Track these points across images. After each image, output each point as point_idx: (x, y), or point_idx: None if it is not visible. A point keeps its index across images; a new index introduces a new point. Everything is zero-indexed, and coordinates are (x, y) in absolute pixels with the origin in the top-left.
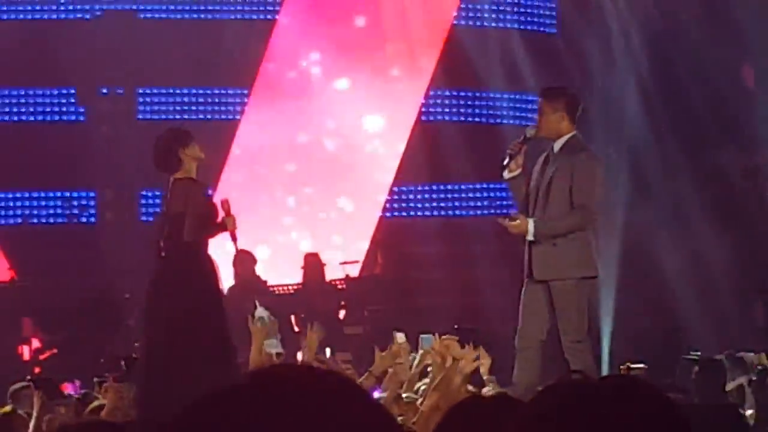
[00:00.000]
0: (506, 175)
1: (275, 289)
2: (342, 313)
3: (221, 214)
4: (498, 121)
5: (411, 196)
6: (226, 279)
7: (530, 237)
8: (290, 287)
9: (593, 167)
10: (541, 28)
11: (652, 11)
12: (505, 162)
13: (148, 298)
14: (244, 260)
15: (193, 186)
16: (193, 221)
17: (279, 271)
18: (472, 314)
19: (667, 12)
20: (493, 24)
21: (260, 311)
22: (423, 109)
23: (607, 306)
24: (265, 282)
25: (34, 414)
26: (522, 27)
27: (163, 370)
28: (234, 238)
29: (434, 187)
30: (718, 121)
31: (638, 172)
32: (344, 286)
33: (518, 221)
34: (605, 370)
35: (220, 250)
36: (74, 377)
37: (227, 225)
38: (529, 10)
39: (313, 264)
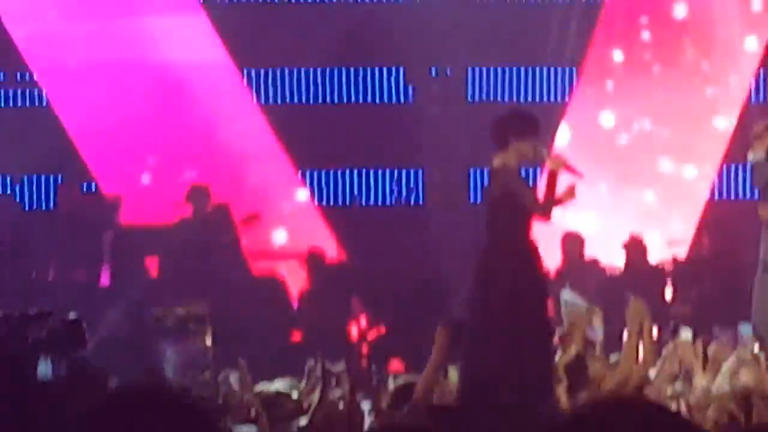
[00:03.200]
0: (750, 157)
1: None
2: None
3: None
4: None
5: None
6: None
7: None
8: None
9: None
10: None
11: None
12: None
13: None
14: (572, 242)
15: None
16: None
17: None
18: None
19: None
20: None
21: (566, 293)
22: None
23: None
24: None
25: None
26: None
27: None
28: (573, 172)
29: None
30: None
31: None
32: (672, 269)
33: None
34: None
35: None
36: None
37: (553, 166)
38: None
39: (636, 246)
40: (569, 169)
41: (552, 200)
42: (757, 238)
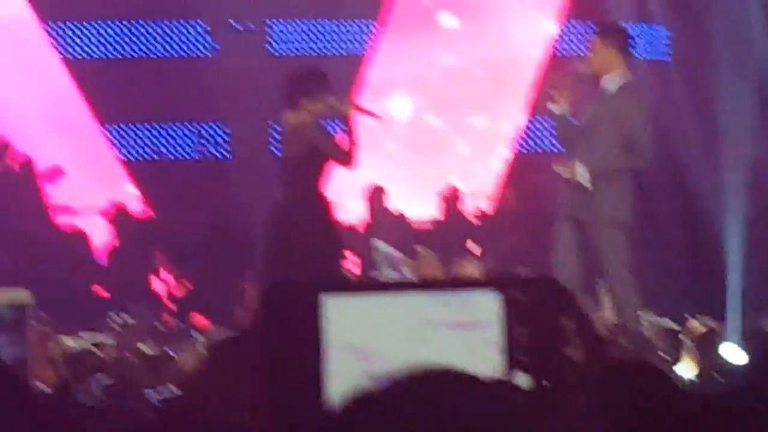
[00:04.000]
0: (553, 109)
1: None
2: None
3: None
4: None
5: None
6: (360, 211)
7: (586, 184)
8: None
9: (646, 109)
10: None
11: None
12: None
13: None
14: (377, 193)
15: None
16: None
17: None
18: None
19: None
20: None
21: (377, 242)
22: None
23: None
24: (401, 215)
25: None
26: None
27: None
28: (370, 114)
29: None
30: None
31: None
32: (479, 223)
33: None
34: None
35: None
36: (207, 311)
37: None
38: None
39: (450, 197)
40: (364, 112)
41: (353, 146)
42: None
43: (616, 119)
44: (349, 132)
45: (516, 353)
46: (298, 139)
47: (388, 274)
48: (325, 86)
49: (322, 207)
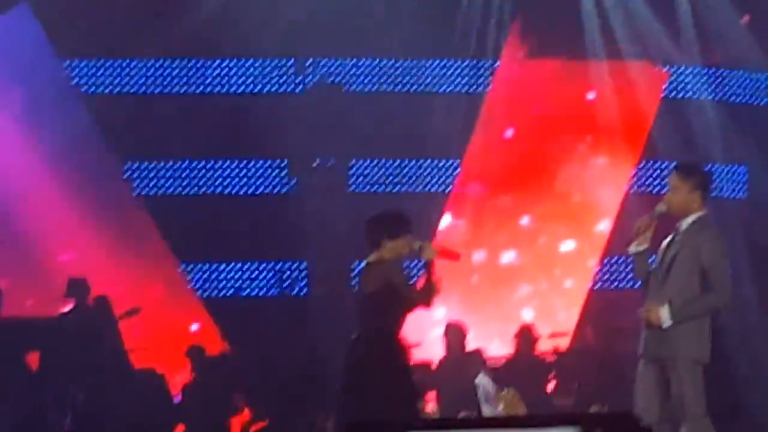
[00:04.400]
0: (632, 249)
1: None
2: (551, 386)
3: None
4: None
5: (621, 268)
6: (436, 349)
7: (666, 324)
8: (501, 358)
9: (722, 245)
10: (751, 100)
11: None
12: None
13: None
14: (455, 331)
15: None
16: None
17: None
18: None
19: None
20: (702, 96)
21: (480, 378)
22: (634, 181)
23: None
24: (480, 353)
25: None
26: (731, 99)
27: None
28: (449, 256)
29: None
30: None
31: None
32: (554, 359)
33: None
34: None
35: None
36: None
37: (427, 255)
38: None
39: (526, 336)
40: (445, 254)
41: (430, 289)
42: (637, 327)
43: (692, 255)
44: (428, 273)
45: None
46: (377, 277)
47: (486, 411)
48: (405, 227)
49: (398, 347)
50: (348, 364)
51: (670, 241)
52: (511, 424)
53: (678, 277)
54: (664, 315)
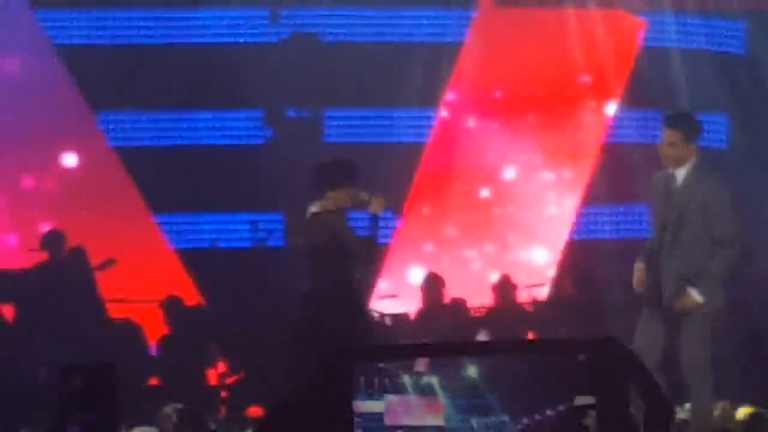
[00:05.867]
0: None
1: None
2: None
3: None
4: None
5: (598, 218)
6: (415, 303)
7: (701, 301)
8: (480, 308)
9: (727, 194)
10: (729, 49)
11: None
12: None
13: None
14: (433, 282)
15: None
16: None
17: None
18: None
19: None
20: (680, 44)
21: None
22: (610, 130)
23: None
24: (464, 302)
25: None
26: (709, 47)
27: None
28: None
29: (622, 209)
30: None
31: None
32: (532, 309)
33: (683, 298)
34: None
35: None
36: (262, 401)
37: (376, 209)
38: (716, 30)
39: (504, 286)
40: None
41: (373, 242)
42: (613, 276)
43: (700, 212)
44: (372, 227)
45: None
46: (320, 228)
47: None
48: (349, 177)
49: (348, 297)
50: (299, 317)
51: (668, 196)
52: (494, 350)
53: (693, 241)
54: (696, 297)
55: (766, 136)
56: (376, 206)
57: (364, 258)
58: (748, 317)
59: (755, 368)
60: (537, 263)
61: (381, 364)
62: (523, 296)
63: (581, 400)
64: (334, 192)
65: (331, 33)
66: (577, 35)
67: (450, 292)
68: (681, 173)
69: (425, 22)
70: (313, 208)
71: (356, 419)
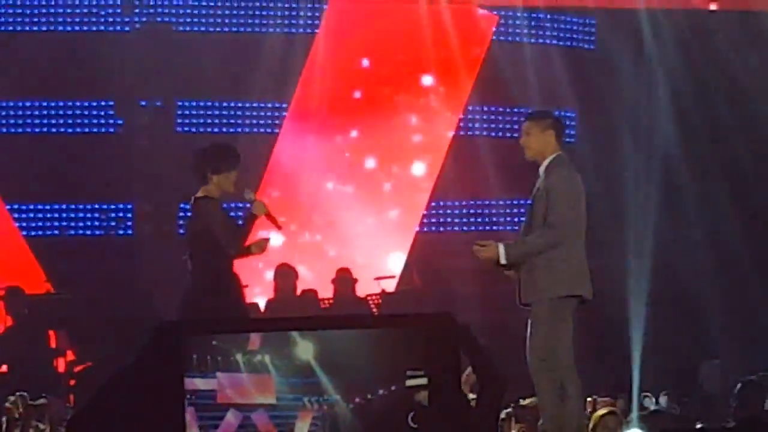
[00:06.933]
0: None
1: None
2: None
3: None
4: None
5: (448, 211)
6: (267, 293)
7: (502, 261)
8: (324, 302)
9: (567, 185)
10: (580, 44)
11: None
12: None
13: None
14: (286, 274)
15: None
16: (222, 236)
17: (312, 286)
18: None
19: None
20: (531, 40)
21: None
22: (461, 125)
23: (639, 322)
24: (313, 294)
25: None
26: (560, 43)
27: None
28: (273, 222)
29: (471, 203)
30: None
31: (669, 185)
32: (379, 301)
33: (486, 246)
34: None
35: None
36: None
37: (256, 211)
38: (567, 26)
39: (344, 279)
40: (270, 218)
41: (243, 241)
42: (461, 268)
43: (542, 195)
44: (246, 225)
45: None
46: (205, 213)
47: None
48: (232, 162)
49: (224, 283)
50: (181, 301)
51: (533, 188)
52: (334, 325)
53: (532, 218)
54: (497, 250)
55: (614, 131)
56: (257, 208)
57: (229, 246)
58: (596, 310)
59: (604, 360)
60: (385, 256)
61: (214, 342)
62: (370, 288)
63: (413, 381)
64: (217, 177)
65: (184, 23)
66: (429, 30)
67: (301, 284)
68: (544, 165)
69: (278, 13)
70: (199, 194)
71: (188, 397)
